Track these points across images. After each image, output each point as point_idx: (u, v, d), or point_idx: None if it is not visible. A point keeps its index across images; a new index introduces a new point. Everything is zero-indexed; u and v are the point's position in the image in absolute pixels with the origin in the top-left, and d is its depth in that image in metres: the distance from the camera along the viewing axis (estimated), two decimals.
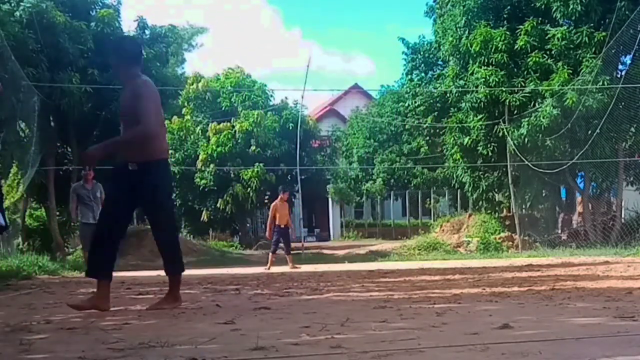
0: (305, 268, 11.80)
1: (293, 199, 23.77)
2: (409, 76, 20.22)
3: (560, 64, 14.64)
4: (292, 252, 12.83)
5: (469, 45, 15.79)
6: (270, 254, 12.25)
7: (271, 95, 23.59)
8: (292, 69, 71.08)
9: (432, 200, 28.09)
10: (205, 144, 21.87)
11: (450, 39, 16.51)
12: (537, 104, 14.98)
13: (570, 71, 14.45)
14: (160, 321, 3.94)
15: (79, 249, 16.51)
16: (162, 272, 11.51)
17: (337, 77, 71.90)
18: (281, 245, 12.49)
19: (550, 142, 14.83)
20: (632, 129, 14.84)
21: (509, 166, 16.13)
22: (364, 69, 73.11)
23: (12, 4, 12.87)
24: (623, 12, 13.67)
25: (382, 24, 74.19)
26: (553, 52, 14.87)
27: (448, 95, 17.05)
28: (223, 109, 22.70)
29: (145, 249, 16.34)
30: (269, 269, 11.63)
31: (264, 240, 22.93)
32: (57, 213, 15.04)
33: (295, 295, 5.72)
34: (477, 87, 15.65)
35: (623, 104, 14.06)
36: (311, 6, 73.57)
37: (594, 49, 14.33)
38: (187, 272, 11.27)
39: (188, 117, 23.11)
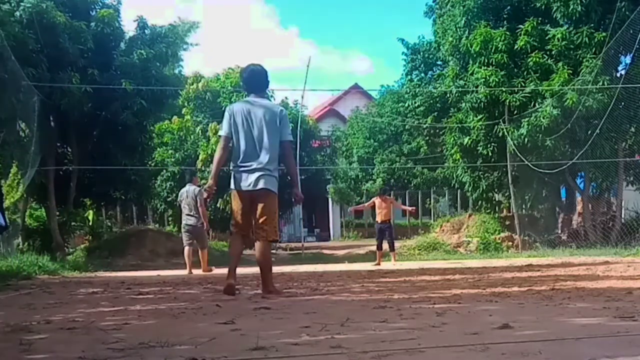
0: (306, 268, 11.80)
1: (292, 200, 23.76)
2: (409, 76, 20.23)
3: (560, 64, 14.64)
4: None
5: (468, 45, 15.79)
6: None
7: (271, 95, 23.56)
8: (290, 68, 71.06)
9: (432, 200, 28.08)
10: (205, 144, 21.84)
11: (450, 39, 16.51)
12: (537, 104, 14.98)
13: (570, 71, 14.45)
14: (160, 321, 3.94)
15: (79, 249, 16.55)
16: (162, 272, 11.57)
17: (336, 76, 71.96)
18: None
19: (550, 142, 14.82)
20: (632, 129, 14.84)
21: (509, 166, 16.13)
22: (363, 68, 73.16)
23: (12, 4, 12.86)
24: (623, 12, 13.67)
25: (380, 23, 74.20)
26: (553, 52, 14.87)
27: (448, 95, 17.06)
28: (223, 109, 22.63)
29: (145, 248, 16.36)
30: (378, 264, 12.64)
31: None
32: (57, 213, 15.04)
33: (296, 295, 5.72)
34: (477, 87, 15.65)
35: (623, 104, 14.06)
36: (308, 5, 73.63)
37: (594, 49, 14.33)
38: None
39: (188, 117, 23.08)
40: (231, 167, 5.60)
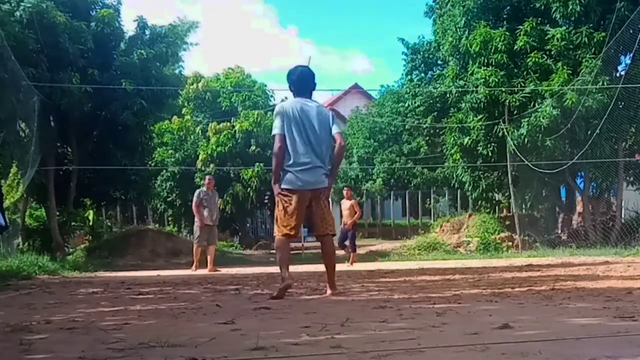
0: (306, 268, 11.80)
1: None
2: (409, 76, 20.22)
3: (559, 64, 14.64)
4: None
5: (468, 45, 15.80)
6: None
7: (271, 95, 23.60)
8: (288, 67, 70.96)
9: (432, 200, 28.07)
10: (205, 144, 21.86)
11: (450, 39, 16.51)
12: (536, 104, 14.98)
13: (570, 71, 14.45)
14: (160, 321, 3.94)
15: (79, 249, 16.55)
16: (162, 272, 11.60)
17: (335, 76, 71.90)
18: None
19: (550, 142, 14.83)
20: (632, 129, 14.84)
21: (508, 166, 16.13)
22: (362, 68, 73.10)
23: (13, 4, 12.86)
24: (622, 12, 13.67)
25: (379, 23, 74.18)
26: (553, 52, 14.87)
27: (448, 95, 17.06)
28: (223, 109, 22.69)
29: (145, 248, 16.36)
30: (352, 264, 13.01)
31: (264, 240, 22.94)
32: (57, 213, 15.04)
33: (295, 295, 5.72)
34: (476, 87, 15.66)
35: (623, 104, 14.07)
36: (307, 5, 73.54)
37: (593, 49, 14.33)
38: (188, 272, 11.37)
39: (188, 117, 23.10)
40: (284, 167, 5.50)
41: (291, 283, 5.52)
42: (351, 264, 12.94)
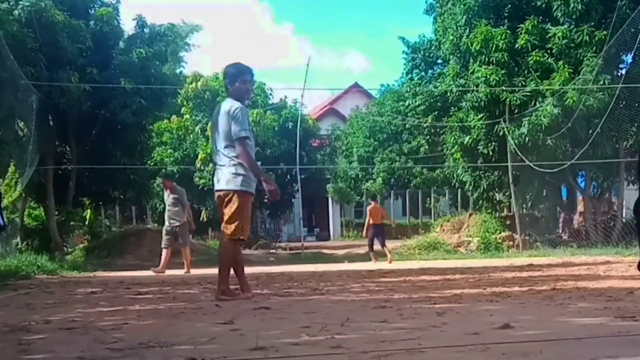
0: (305, 268, 11.79)
1: (292, 199, 23.77)
2: (409, 75, 20.20)
3: (561, 63, 14.62)
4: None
5: (469, 44, 15.77)
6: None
7: (270, 94, 23.57)
8: (286, 66, 70.83)
9: (432, 200, 28.06)
10: (204, 143, 21.83)
11: (451, 37, 16.49)
12: (537, 103, 14.96)
13: (571, 70, 14.43)
14: (160, 321, 3.93)
15: (78, 249, 16.54)
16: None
17: (332, 74, 71.62)
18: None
19: (550, 142, 14.81)
20: (633, 128, 14.82)
21: (509, 165, 16.11)
22: (359, 66, 72.90)
23: (11, 3, 12.83)
24: (624, 11, 13.65)
25: (377, 21, 73.99)
26: (554, 51, 14.85)
27: (448, 94, 17.04)
28: None
29: (145, 248, 16.32)
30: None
31: (263, 240, 22.93)
32: (56, 212, 15.01)
33: (295, 295, 5.71)
34: (477, 86, 15.64)
35: (624, 103, 14.05)
36: (304, 3, 73.28)
37: (594, 48, 14.31)
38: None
39: (187, 116, 23.07)
40: (244, 171, 5.21)
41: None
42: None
